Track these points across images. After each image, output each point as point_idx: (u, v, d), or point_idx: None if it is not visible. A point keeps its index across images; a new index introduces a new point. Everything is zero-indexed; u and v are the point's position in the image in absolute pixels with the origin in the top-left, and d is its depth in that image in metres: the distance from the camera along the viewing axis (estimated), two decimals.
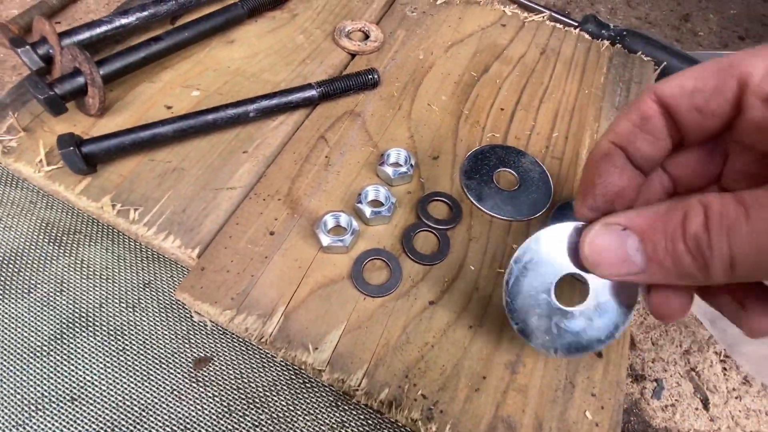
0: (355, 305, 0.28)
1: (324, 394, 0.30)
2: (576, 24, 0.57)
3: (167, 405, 0.28)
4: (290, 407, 0.29)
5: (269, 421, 0.28)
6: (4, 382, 0.28)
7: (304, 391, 0.30)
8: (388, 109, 0.39)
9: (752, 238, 0.15)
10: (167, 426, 0.27)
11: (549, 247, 0.23)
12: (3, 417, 0.27)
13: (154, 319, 0.31)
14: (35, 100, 0.33)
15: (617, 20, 0.64)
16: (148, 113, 0.36)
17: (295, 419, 0.28)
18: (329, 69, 0.41)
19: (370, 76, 0.39)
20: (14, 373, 0.28)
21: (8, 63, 0.48)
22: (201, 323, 0.31)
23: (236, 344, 0.31)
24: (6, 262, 0.32)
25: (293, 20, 0.45)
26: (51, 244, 0.34)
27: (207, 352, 0.31)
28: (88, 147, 0.30)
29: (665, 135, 0.20)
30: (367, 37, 0.45)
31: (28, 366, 0.28)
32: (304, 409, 0.29)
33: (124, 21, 0.38)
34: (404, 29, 0.46)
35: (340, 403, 0.30)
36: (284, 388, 0.30)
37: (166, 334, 0.31)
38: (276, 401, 0.29)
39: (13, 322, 0.30)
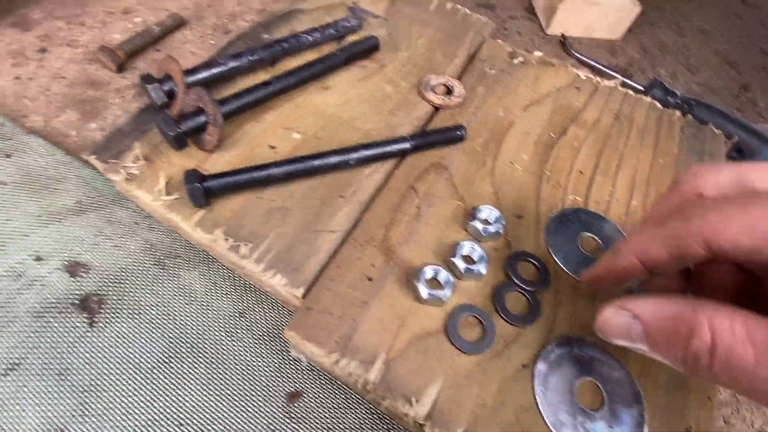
0: (451, 361, 0.29)
1: None
2: (643, 89, 0.59)
3: None
4: None
5: None
6: (118, 402, 0.29)
7: None
8: (472, 164, 0.41)
9: (754, 382, 0.16)
10: None
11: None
12: None
13: (250, 349, 0.33)
14: (161, 133, 0.36)
15: (678, 85, 0.66)
16: (254, 152, 0.39)
17: None
18: (415, 121, 0.44)
19: (458, 132, 0.41)
20: (127, 394, 0.30)
21: (112, 85, 0.52)
22: (296, 359, 0.32)
23: (325, 382, 0.32)
24: (117, 280, 0.35)
25: (381, 70, 0.48)
26: (155, 266, 0.36)
27: (299, 387, 0.32)
28: (209, 183, 0.33)
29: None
30: (450, 91, 0.47)
31: (139, 387, 0.30)
32: None
33: (235, 64, 0.42)
34: (484, 86, 0.49)
35: None
36: (369, 430, 0.31)
37: (261, 366, 0.32)
38: None
39: (124, 342, 0.32)
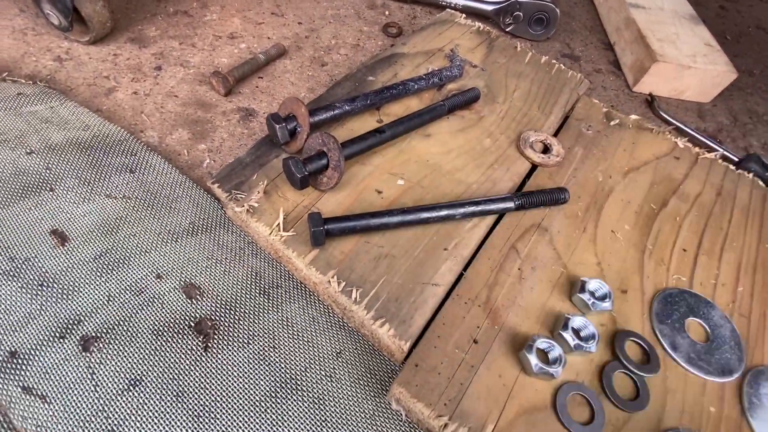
0: None
1: None
2: (737, 160, 0.58)
3: None
4: None
5: None
6: (229, 431, 0.31)
7: None
8: (573, 229, 0.41)
9: None
10: None
11: None
12: None
13: (347, 392, 0.34)
14: (285, 171, 0.38)
15: None
16: (362, 194, 0.40)
17: None
18: (514, 177, 0.44)
19: (561, 195, 0.41)
20: (237, 424, 0.31)
21: (219, 108, 0.55)
22: (395, 411, 0.33)
23: None
24: (228, 307, 0.36)
25: (480, 122, 0.49)
26: (261, 295, 0.38)
27: None
28: (330, 225, 0.34)
29: None
30: (547, 149, 0.47)
31: (249, 419, 0.31)
32: None
33: (349, 108, 0.44)
34: (581, 146, 0.49)
35: None
36: None
37: (358, 411, 0.33)
38: None
39: (236, 371, 0.33)
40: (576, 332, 0.33)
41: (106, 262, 0.37)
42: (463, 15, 0.63)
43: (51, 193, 0.41)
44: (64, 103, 0.50)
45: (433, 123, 0.48)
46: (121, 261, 0.37)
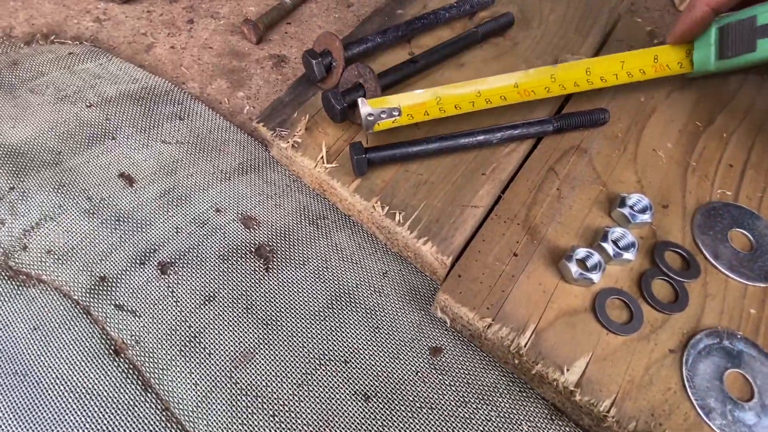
0: (598, 339, 0.31)
1: (539, 407, 0.33)
2: None
3: (413, 385, 0.33)
4: (514, 410, 0.33)
5: (498, 420, 0.32)
6: (294, 336, 0.35)
7: (522, 398, 0.34)
8: (613, 150, 0.40)
9: None
10: (415, 404, 0.33)
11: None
12: (294, 368, 0.34)
13: (396, 305, 0.37)
14: (325, 106, 0.39)
15: None
16: (397, 128, 0.41)
17: (519, 423, 0.32)
18: (552, 101, 0.44)
19: (601, 116, 0.40)
20: (300, 331, 0.35)
21: (252, 57, 0.56)
22: (440, 319, 0.36)
23: (462, 343, 0.36)
24: (282, 235, 0.40)
25: (514, 48, 0.48)
26: (310, 225, 0.41)
27: (440, 344, 0.35)
28: (372, 155, 0.36)
29: None
30: None
31: (309, 326, 0.35)
32: (525, 416, 0.33)
33: (381, 40, 0.44)
34: None
35: (554, 417, 0.33)
36: (506, 391, 0.34)
37: (406, 321, 0.36)
38: (501, 402, 0.33)
39: (295, 288, 0.37)
40: (615, 243, 0.33)
41: (171, 199, 0.41)
42: None
43: (113, 141, 0.44)
44: (111, 60, 0.52)
45: (466, 52, 0.47)
46: (183, 198, 0.41)
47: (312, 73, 0.41)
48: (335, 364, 0.34)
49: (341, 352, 0.34)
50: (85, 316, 0.35)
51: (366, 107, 0.35)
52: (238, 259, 0.38)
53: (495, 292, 0.33)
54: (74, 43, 0.55)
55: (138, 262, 0.37)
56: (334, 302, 0.36)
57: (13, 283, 0.37)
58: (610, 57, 0.41)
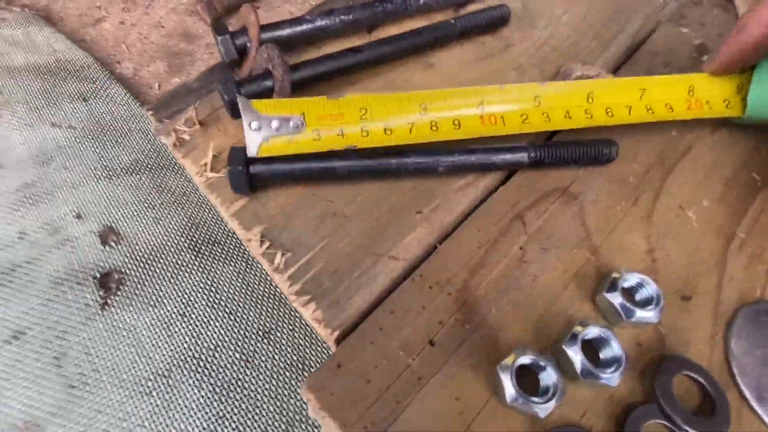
0: None
1: None
2: None
3: None
4: None
5: None
6: (103, 412, 0.25)
7: None
8: (618, 199, 0.28)
9: None
10: None
11: None
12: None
13: (266, 384, 0.26)
14: (221, 96, 0.30)
15: None
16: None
17: None
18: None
19: (605, 150, 0.28)
20: (114, 407, 0.25)
21: (204, 40, 0.48)
22: (313, 420, 0.25)
23: None
24: (144, 260, 0.30)
25: (506, 51, 0.37)
26: (189, 250, 0.31)
27: None
28: (257, 168, 0.26)
29: None
30: None
31: (127, 401, 0.25)
32: None
33: (325, 22, 0.34)
34: None
35: None
36: None
37: (275, 410, 0.25)
38: None
39: (130, 339, 0.27)
40: (589, 347, 0.21)
41: (29, 195, 0.33)
42: None
43: None
44: (42, 30, 0.46)
45: (441, 50, 0.36)
46: (44, 195, 0.33)
47: (220, 53, 0.32)
48: None
49: None
50: None
51: (248, 111, 0.25)
52: (74, 285, 0.28)
53: (385, 401, 0.21)
54: (15, 10, 0.49)
55: None
56: (174, 368, 0.26)
57: None
58: (625, 81, 0.28)
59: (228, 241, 0.32)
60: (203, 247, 0.32)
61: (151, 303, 0.28)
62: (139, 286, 0.29)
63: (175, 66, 0.46)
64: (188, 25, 0.50)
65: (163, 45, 0.48)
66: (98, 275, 0.29)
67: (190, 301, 0.29)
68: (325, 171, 0.27)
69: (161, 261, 0.30)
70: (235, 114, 0.29)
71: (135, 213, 0.33)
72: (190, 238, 0.32)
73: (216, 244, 0.32)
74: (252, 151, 0.25)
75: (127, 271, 0.30)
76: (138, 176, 0.35)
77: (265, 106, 0.26)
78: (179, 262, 0.30)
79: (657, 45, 0.37)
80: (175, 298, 0.29)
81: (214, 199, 0.28)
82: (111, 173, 0.35)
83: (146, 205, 0.33)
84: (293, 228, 0.27)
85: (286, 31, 0.33)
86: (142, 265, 0.30)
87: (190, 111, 0.31)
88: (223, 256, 0.32)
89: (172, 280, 0.29)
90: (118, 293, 0.29)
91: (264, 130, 0.25)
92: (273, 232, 0.27)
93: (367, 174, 0.27)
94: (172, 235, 0.32)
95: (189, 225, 0.33)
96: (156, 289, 0.29)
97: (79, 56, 0.43)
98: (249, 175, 0.26)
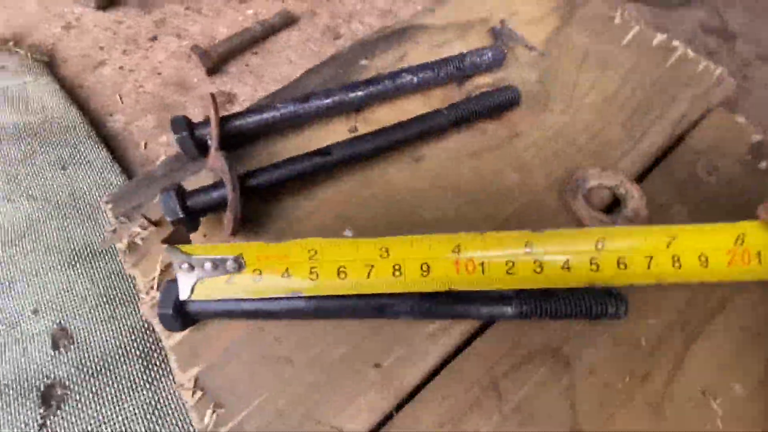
0: None
1: None
2: None
3: None
4: None
5: None
6: None
7: None
8: (622, 372, 0.22)
9: None
10: None
11: None
12: None
13: None
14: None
15: None
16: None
17: None
18: None
19: (611, 309, 0.22)
20: None
21: (198, 91, 0.46)
22: None
23: None
24: (91, 371, 0.28)
25: (510, 142, 0.31)
26: (140, 360, 0.29)
27: None
28: (194, 306, 0.23)
29: None
30: (618, 203, 0.28)
31: None
32: None
33: (295, 109, 0.30)
34: (687, 205, 0.28)
35: None
36: None
37: None
38: None
39: None
40: None
41: None
42: None
43: None
44: (37, 79, 0.45)
45: (432, 139, 0.31)
46: (6, 282, 0.32)
47: (179, 150, 0.29)
48: None
49: None
50: None
51: (177, 253, 0.22)
52: (15, 399, 0.27)
53: None
54: (19, 52, 0.49)
55: None
56: None
57: None
58: (647, 230, 0.22)
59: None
60: (154, 356, 0.30)
61: (91, 427, 0.27)
62: (80, 405, 0.27)
63: (164, 120, 0.44)
64: (185, 72, 0.48)
65: (156, 95, 0.47)
66: (43, 387, 0.28)
67: (130, 429, 0.27)
68: (269, 312, 0.23)
69: (108, 373, 0.28)
70: (188, 229, 0.26)
71: (90, 309, 0.31)
72: (141, 342, 0.30)
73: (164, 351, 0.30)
74: (184, 294, 0.22)
75: (72, 386, 0.28)
76: (99, 262, 0.33)
77: (196, 250, 0.22)
78: (127, 375, 0.28)
79: (702, 140, 0.31)
80: (114, 425, 0.27)
81: (156, 326, 0.26)
82: (73, 258, 0.33)
83: (103, 299, 0.31)
84: (232, 371, 0.24)
85: (253, 119, 0.29)
86: (87, 378, 0.28)
87: (143, 213, 0.28)
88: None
89: (115, 400, 0.27)
90: (58, 412, 0.27)
91: (197, 271, 0.22)
92: (210, 374, 0.24)
93: (320, 315, 0.24)
94: (125, 339, 0.30)
95: (142, 328, 0.30)
96: (97, 412, 0.27)
97: (67, 115, 0.42)
98: (182, 316, 0.23)
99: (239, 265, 0.22)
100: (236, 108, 0.44)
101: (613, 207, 0.29)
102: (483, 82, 0.35)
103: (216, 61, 0.46)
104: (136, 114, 0.45)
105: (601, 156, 0.30)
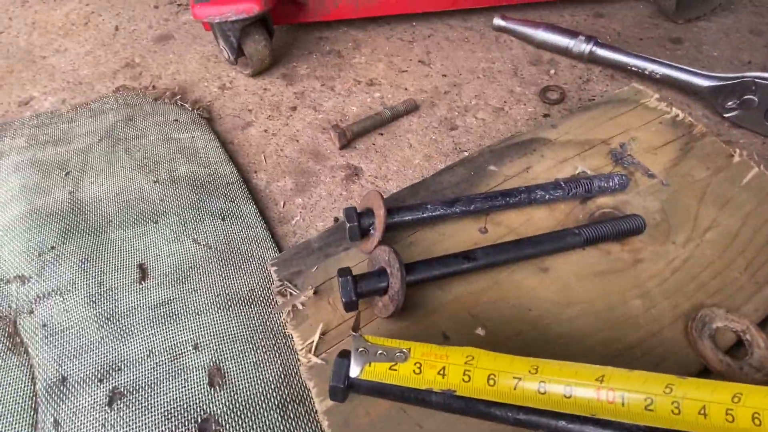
0: None
1: None
2: None
3: None
4: None
5: None
6: None
7: None
8: None
9: None
10: None
11: None
12: None
13: None
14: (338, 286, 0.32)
15: None
16: (423, 332, 0.31)
17: None
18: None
19: None
20: None
21: (329, 162, 0.53)
22: None
23: None
24: (240, 411, 0.32)
25: (633, 268, 0.34)
26: (277, 409, 0.33)
27: None
28: (360, 383, 0.27)
29: None
30: (744, 348, 0.29)
31: None
32: None
33: (443, 211, 0.35)
34: None
35: None
36: None
37: None
38: None
39: None
40: None
41: (165, 313, 0.38)
42: (656, 95, 0.46)
43: (155, 225, 0.44)
44: (203, 134, 0.55)
45: (557, 253, 0.35)
46: (176, 316, 0.37)
47: (347, 236, 0.34)
48: None
49: None
50: (31, 414, 0.33)
51: (358, 339, 0.26)
52: (178, 425, 0.32)
53: None
54: (188, 107, 0.59)
55: (98, 378, 0.34)
56: None
57: (9, 342, 0.37)
58: None
59: (313, 402, 0.34)
60: (290, 407, 0.34)
61: None
62: None
63: (300, 185, 0.51)
64: (319, 142, 0.56)
65: (294, 160, 0.54)
66: (200, 420, 0.32)
67: None
68: (418, 399, 0.27)
69: (251, 415, 0.33)
70: (350, 310, 0.31)
71: (240, 353, 0.36)
72: (279, 393, 0.34)
73: (301, 404, 0.34)
74: (355, 373, 0.26)
75: (224, 423, 0.32)
76: (251, 309, 0.39)
77: (375, 340, 0.27)
78: (265, 421, 0.32)
79: None
80: None
81: (311, 386, 0.30)
82: (229, 302, 0.39)
83: (250, 344, 0.36)
84: None
85: (406, 217, 0.35)
86: (235, 419, 0.33)
87: (308, 287, 0.33)
88: (307, 418, 0.33)
89: None
90: None
91: (370, 354, 0.26)
92: None
93: (465, 411, 0.27)
94: (264, 386, 0.34)
95: (282, 377, 0.35)
96: None
97: (227, 171, 0.50)
98: (348, 390, 0.27)
99: (405, 357, 0.26)
100: (362, 182, 0.50)
101: (733, 348, 0.30)
102: (605, 202, 0.38)
103: (350, 140, 0.53)
104: (276, 174, 0.52)
105: (724, 296, 0.32)
